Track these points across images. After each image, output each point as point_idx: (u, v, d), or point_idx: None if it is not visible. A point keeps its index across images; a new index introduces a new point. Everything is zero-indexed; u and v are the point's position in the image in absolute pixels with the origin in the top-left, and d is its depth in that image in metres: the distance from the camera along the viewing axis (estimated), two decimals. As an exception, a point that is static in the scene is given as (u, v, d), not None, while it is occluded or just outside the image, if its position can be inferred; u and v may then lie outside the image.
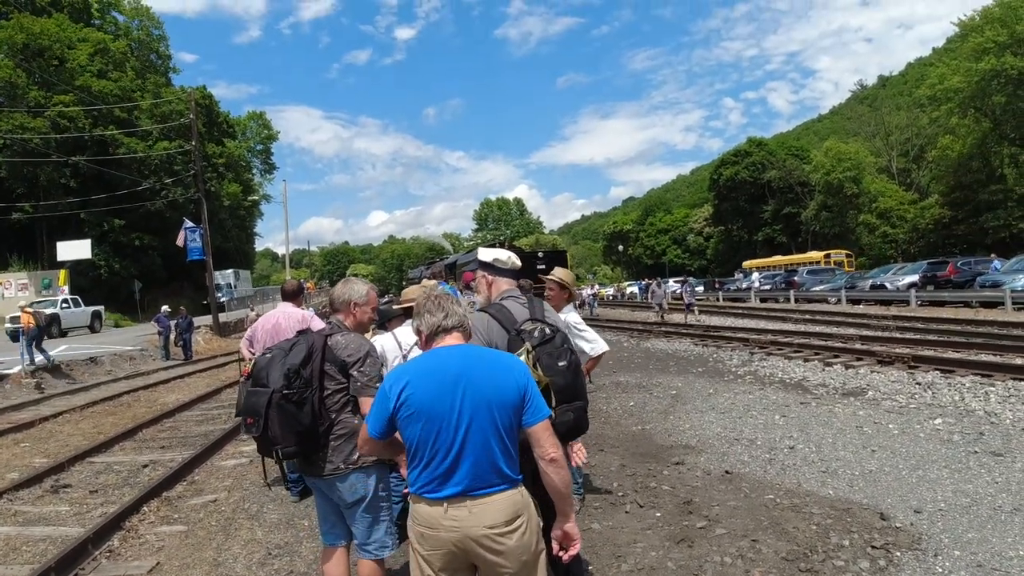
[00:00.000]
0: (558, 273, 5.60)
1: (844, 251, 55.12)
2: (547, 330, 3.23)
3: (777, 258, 60.48)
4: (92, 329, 32.12)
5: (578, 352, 5.62)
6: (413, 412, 2.52)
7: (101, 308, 34.73)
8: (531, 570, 2.56)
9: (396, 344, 5.12)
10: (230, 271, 54.27)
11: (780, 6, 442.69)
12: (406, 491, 3.77)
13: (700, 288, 42.74)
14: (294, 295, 6.56)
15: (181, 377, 18.53)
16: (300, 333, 3.64)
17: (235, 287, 53.90)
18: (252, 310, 36.95)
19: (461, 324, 2.73)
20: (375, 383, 3.35)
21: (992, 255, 31.87)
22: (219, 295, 42.11)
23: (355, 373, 3.42)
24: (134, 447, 9.64)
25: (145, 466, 8.36)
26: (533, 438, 2.57)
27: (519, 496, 2.57)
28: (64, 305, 30.98)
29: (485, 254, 3.76)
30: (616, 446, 8.07)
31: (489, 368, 2.57)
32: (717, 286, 53.73)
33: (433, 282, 6.46)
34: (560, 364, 3.05)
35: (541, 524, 2.67)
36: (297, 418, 3.27)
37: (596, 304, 41.61)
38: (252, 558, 5.17)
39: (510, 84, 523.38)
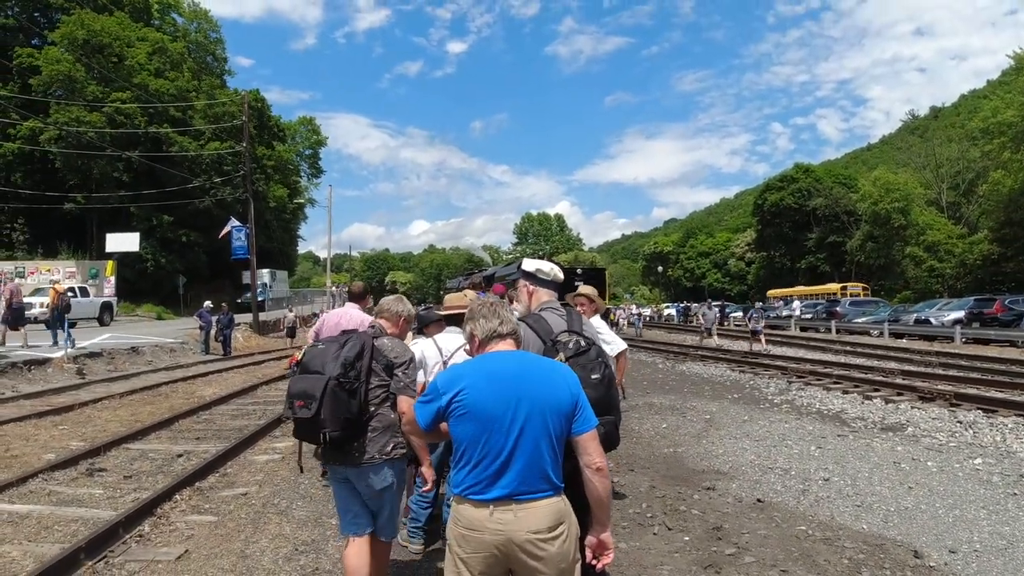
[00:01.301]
0: (585, 289, 6.24)
1: (861, 284, 56.28)
2: (582, 342, 3.28)
3: (800, 288, 60.94)
4: (101, 322, 30.67)
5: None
6: (467, 412, 2.55)
7: (113, 300, 34.11)
8: None
9: (437, 350, 5.20)
10: (266, 271, 52.63)
11: (833, 33, 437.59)
12: (427, 489, 4.02)
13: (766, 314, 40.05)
14: (360, 297, 6.78)
15: (219, 372, 18.84)
16: (345, 332, 3.96)
17: (271, 287, 53.48)
18: (291, 311, 37.16)
19: (514, 331, 2.78)
20: (413, 385, 3.75)
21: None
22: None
23: (399, 373, 3.79)
24: (170, 436, 9.82)
25: (179, 456, 8.51)
26: (581, 446, 2.59)
27: (562, 504, 2.59)
28: (71, 294, 27.45)
29: (529, 264, 3.82)
30: (647, 467, 8.02)
31: (545, 375, 2.61)
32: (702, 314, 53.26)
33: (473, 293, 6.57)
34: (593, 377, 3.10)
35: (579, 533, 2.68)
36: (348, 405, 3.59)
37: (641, 325, 41.13)
38: (279, 552, 5.24)
39: (557, 101, 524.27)
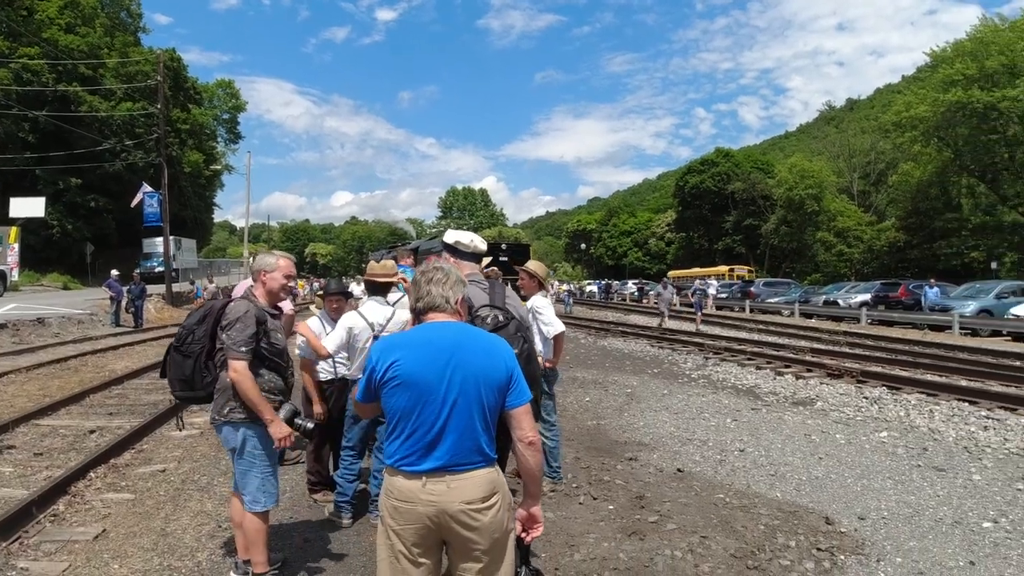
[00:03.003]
0: (530, 265, 6.19)
1: (747, 267, 60.31)
2: (501, 317, 3.33)
3: (696, 269, 63.69)
4: None
5: (537, 332, 5.93)
6: (401, 382, 2.50)
7: (7, 268, 31.55)
8: (501, 548, 2.57)
9: (365, 321, 5.10)
10: (170, 238, 48.47)
11: (759, 23, 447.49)
12: (276, 446, 3.92)
13: (712, 292, 40.81)
14: None
15: (131, 344, 18.10)
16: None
17: (175, 257, 47.42)
18: (211, 282, 35.66)
19: (453, 303, 2.71)
20: (239, 347, 3.74)
21: (932, 280, 32.74)
22: (151, 263, 40.43)
23: (223, 336, 3.83)
24: (81, 412, 9.39)
25: (92, 432, 8.15)
26: (514, 420, 2.59)
27: (495, 474, 2.59)
28: None
29: (449, 236, 3.86)
30: (571, 439, 8.13)
31: (480, 347, 2.58)
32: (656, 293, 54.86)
33: (391, 262, 6.44)
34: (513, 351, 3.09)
35: (512, 503, 2.69)
36: (182, 367, 3.93)
37: (572, 302, 41.44)
38: (201, 530, 5.08)
39: (487, 75, 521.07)
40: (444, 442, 2.48)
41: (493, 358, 2.57)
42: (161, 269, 37.93)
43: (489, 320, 3.24)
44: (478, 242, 3.90)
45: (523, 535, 2.76)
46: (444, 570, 2.68)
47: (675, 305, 31.27)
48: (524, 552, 2.82)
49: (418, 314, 2.72)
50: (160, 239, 41.75)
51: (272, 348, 3.95)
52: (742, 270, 59.18)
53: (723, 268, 59.48)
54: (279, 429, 3.84)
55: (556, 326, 6.12)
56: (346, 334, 5.16)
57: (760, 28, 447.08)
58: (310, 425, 4.07)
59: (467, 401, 2.50)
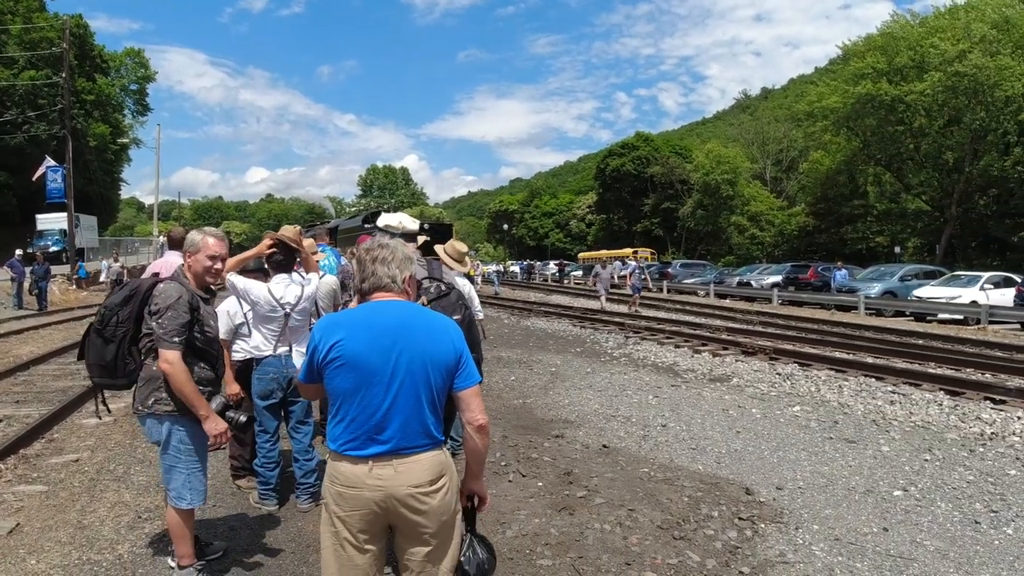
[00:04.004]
0: (438, 249, 5.96)
1: (649, 250, 63.02)
2: (442, 287, 3.46)
3: (604, 252, 64.85)
4: None
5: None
6: (344, 363, 2.42)
7: None
8: (449, 529, 2.55)
9: (269, 296, 4.88)
10: (65, 215, 38.76)
11: (680, 11, 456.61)
12: (211, 444, 3.72)
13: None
14: (180, 244, 6.20)
15: (36, 328, 17.22)
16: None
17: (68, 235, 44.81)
18: (116, 260, 33.93)
19: (395, 280, 2.60)
20: (171, 337, 3.49)
21: (839, 263, 34.24)
22: (45, 242, 37.33)
23: (154, 324, 3.56)
24: (-16, 399, 8.89)
25: (-1, 420, 7.74)
26: (463, 402, 2.54)
27: (443, 456, 2.55)
28: None
29: (380, 221, 4.06)
30: (498, 418, 8.15)
31: (426, 327, 2.51)
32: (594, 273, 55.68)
33: (310, 241, 6.29)
34: (455, 317, 3.13)
35: (459, 485, 2.66)
36: (102, 352, 3.65)
37: (499, 283, 41.37)
38: (120, 521, 4.86)
39: (410, 52, 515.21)
40: (390, 425, 2.42)
41: (441, 339, 2.50)
42: (56, 248, 35.92)
43: (433, 290, 3.28)
44: (407, 222, 4.06)
45: (467, 504, 2.75)
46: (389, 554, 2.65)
47: (614, 286, 30.99)
48: (470, 518, 2.81)
49: (363, 294, 2.62)
50: (54, 215, 39.43)
51: (204, 337, 3.73)
52: (645, 252, 61.17)
53: (627, 251, 60.92)
54: (214, 425, 3.61)
55: (478, 311, 6.21)
56: (226, 318, 5.04)
57: (681, 16, 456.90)
58: (243, 418, 3.85)
59: (414, 383, 2.43)
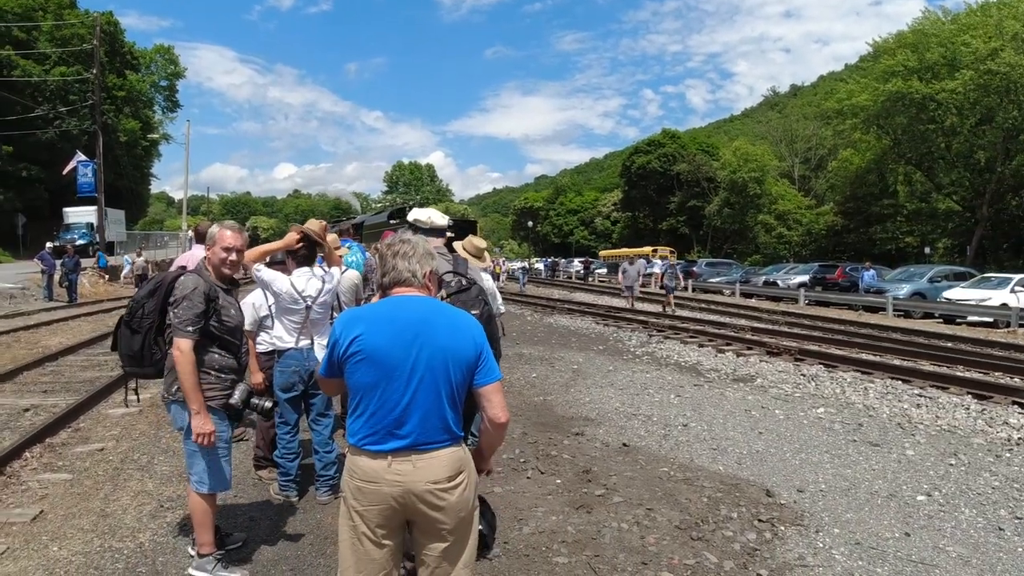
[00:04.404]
0: (457, 245, 6.11)
1: (669, 248, 62.16)
2: (464, 281, 3.46)
3: (624, 250, 64.80)
4: None
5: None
6: (364, 357, 2.42)
7: None
8: (467, 525, 2.55)
9: (291, 289, 4.93)
10: (93, 208, 39.45)
11: (707, 7, 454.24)
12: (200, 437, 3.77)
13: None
14: (203, 238, 6.33)
15: (65, 320, 17.51)
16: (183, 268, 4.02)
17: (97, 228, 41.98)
18: (139, 254, 34.26)
19: (416, 275, 2.61)
20: (185, 326, 3.62)
21: (867, 263, 33.75)
22: (71, 235, 37.83)
23: (170, 313, 3.73)
24: (14, 390, 9.04)
25: (26, 410, 7.87)
26: (484, 398, 2.54)
27: (462, 452, 2.55)
28: None
29: (410, 216, 4.06)
30: (518, 415, 8.15)
31: (448, 322, 2.51)
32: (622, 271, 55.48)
33: (334, 236, 6.37)
34: (473, 312, 3.13)
35: (477, 480, 2.67)
36: (130, 343, 3.84)
37: (526, 280, 41.27)
38: (143, 510, 4.93)
39: (437, 49, 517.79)
40: (410, 420, 2.42)
41: (462, 335, 2.50)
42: (83, 242, 36.45)
43: (454, 284, 3.32)
44: (435, 218, 4.07)
45: None
46: (406, 549, 2.66)
47: (647, 285, 30.44)
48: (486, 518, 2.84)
49: (384, 289, 2.63)
50: (80, 209, 40.04)
51: (223, 326, 3.81)
52: (665, 251, 60.86)
53: (647, 249, 60.61)
54: (202, 423, 3.68)
55: (498, 307, 6.18)
56: (252, 310, 5.10)
57: (709, 12, 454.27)
58: (267, 404, 3.96)
59: (434, 378, 2.43)
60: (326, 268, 5.24)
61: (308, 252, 5.08)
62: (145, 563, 4.10)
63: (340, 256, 6.17)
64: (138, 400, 4.18)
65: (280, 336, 4.99)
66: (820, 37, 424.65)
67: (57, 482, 5.50)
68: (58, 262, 23.00)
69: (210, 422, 3.71)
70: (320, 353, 4.87)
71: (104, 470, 5.84)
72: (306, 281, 4.99)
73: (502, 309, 6.45)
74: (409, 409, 2.42)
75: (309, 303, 4.97)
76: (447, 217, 4.31)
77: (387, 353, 2.42)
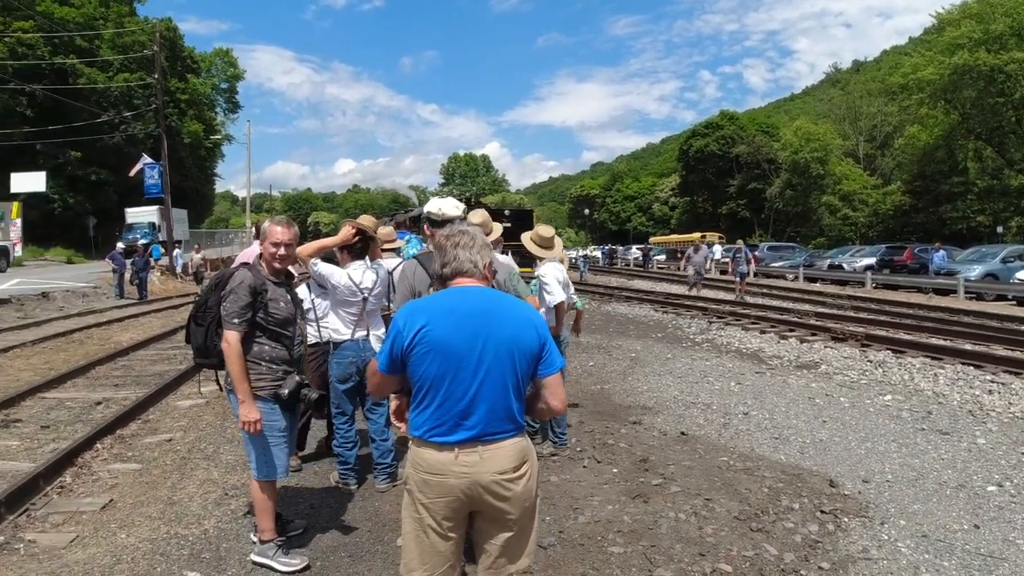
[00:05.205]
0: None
1: (717, 234, 59.85)
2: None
3: (674, 236, 64.31)
4: None
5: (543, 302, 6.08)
6: (430, 349, 2.42)
7: (10, 244, 31.20)
8: (531, 515, 2.56)
9: (349, 282, 4.99)
10: (154, 208, 40.67)
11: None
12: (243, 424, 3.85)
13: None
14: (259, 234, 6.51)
15: (136, 316, 18.12)
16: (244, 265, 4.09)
17: (161, 229, 41.15)
18: (196, 252, 34.94)
19: (477, 266, 2.60)
20: (231, 318, 3.78)
21: (937, 244, 32.52)
22: (134, 235, 38.34)
23: (220, 307, 3.86)
24: (87, 384, 9.39)
25: (98, 403, 8.16)
26: (547, 388, 2.55)
27: (525, 442, 2.56)
28: None
29: (426, 206, 4.14)
30: (575, 404, 8.13)
31: (511, 313, 2.52)
32: (679, 256, 54.55)
33: (388, 229, 6.50)
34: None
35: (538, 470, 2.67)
36: (196, 336, 3.97)
37: (587, 268, 41.13)
38: (208, 498, 5.09)
39: (489, 40, 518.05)
40: (476, 411, 2.43)
41: (526, 326, 2.50)
42: (144, 241, 37.52)
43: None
44: (446, 209, 4.12)
45: None
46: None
47: (708, 271, 29.85)
48: None
49: (444, 279, 2.62)
50: (141, 209, 41.31)
51: (271, 318, 3.90)
52: (713, 236, 58.99)
53: (696, 235, 59.48)
54: (248, 411, 3.79)
55: (557, 296, 6.17)
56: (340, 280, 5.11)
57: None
58: (314, 395, 4.04)
59: (500, 369, 2.44)
60: (368, 262, 5.31)
61: (363, 246, 5.16)
62: (209, 549, 4.23)
63: (399, 248, 6.39)
64: (219, 387, 4.26)
65: (336, 328, 5.07)
66: (882, 10, 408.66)
67: (126, 472, 5.70)
68: (128, 261, 23.80)
69: (255, 410, 3.81)
70: (376, 344, 4.95)
71: (171, 460, 6.04)
72: (362, 274, 5.06)
73: (575, 299, 6.52)
74: (476, 400, 2.42)
75: (366, 295, 5.05)
76: (462, 206, 4.30)
77: (454, 344, 2.42)
